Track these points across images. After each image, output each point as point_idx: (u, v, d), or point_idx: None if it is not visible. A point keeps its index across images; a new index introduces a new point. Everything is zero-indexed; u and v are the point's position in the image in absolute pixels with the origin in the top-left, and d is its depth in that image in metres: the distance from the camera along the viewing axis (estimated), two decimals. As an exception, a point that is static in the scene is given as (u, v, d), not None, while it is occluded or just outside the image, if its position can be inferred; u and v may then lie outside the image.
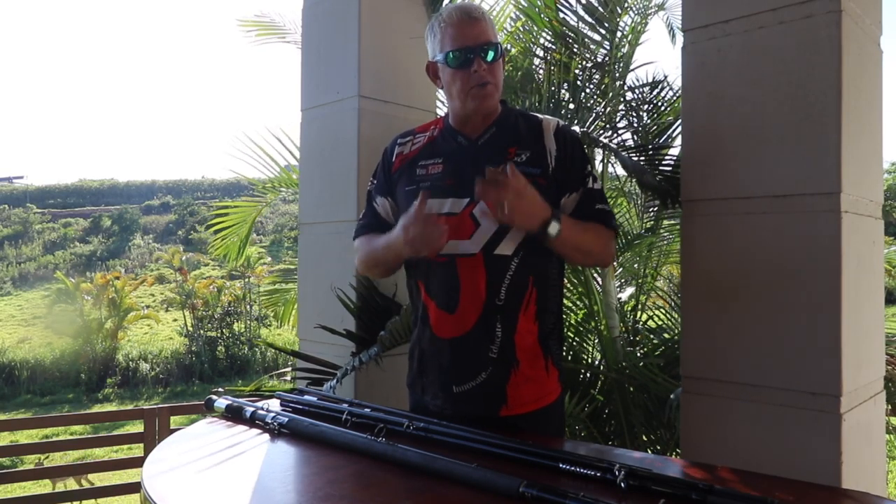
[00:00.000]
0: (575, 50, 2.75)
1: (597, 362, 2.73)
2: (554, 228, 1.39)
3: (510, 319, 1.47)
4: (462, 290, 1.48)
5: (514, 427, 1.46)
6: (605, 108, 2.74)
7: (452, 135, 1.58)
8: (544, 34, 2.90)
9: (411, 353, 1.62)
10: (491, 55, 1.49)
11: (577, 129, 2.39)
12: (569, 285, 2.75)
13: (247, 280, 17.83)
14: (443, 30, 1.51)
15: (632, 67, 2.84)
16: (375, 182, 1.67)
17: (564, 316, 2.65)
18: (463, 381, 1.49)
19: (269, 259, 20.67)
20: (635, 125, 2.76)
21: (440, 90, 2.64)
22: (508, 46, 2.82)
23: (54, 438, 7.95)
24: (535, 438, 1.30)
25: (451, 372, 1.51)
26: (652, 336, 2.77)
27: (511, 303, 1.47)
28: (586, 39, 2.81)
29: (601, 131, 2.69)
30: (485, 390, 1.48)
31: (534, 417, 1.49)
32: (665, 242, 3.01)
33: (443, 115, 1.71)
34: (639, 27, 2.84)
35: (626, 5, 2.76)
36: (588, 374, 2.63)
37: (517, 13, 2.93)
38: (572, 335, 2.71)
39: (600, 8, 2.68)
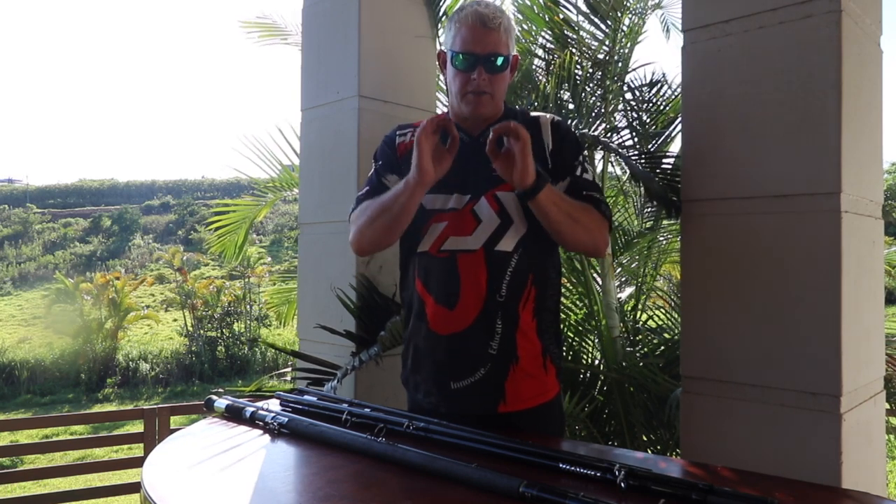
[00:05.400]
0: (575, 49, 2.75)
1: (597, 362, 2.73)
2: (542, 182, 1.39)
3: (511, 315, 1.48)
4: (462, 286, 1.48)
5: (513, 424, 1.46)
6: (605, 107, 2.74)
7: None
8: (543, 34, 2.90)
9: (405, 350, 1.62)
10: (496, 65, 1.49)
11: (584, 131, 2.39)
12: (568, 285, 2.75)
13: (247, 280, 17.82)
14: (457, 28, 1.51)
15: (631, 67, 2.84)
16: (381, 163, 1.63)
17: (564, 316, 2.65)
18: (460, 378, 1.48)
19: (269, 259, 20.67)
20: (635, 125, 2.76)
21: (439, 92, 2.65)
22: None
23: (54, 438, 7.94)
24: (535, 438, 1.30)
25: (448, 368, 1.50)
26: (652, 336, 2.76)
27: (511, 299, 1.48)
28: (586, 38, 2.81)
29: (603, 132, 2.69)
30: (483, 386, 1.47)
31: (533, 414, 1.49)
32: (665, 242, 3.01)
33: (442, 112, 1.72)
34: (637, 27, 2.84)
35: (627, 5, 2.76)
36: (588, 374, 2.63)
37: (516, 13, 2.94)
38: (572, 335, 2.71)
39: (603, 4, 2.68)
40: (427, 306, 1.53)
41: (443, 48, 1.59)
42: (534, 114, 1.61)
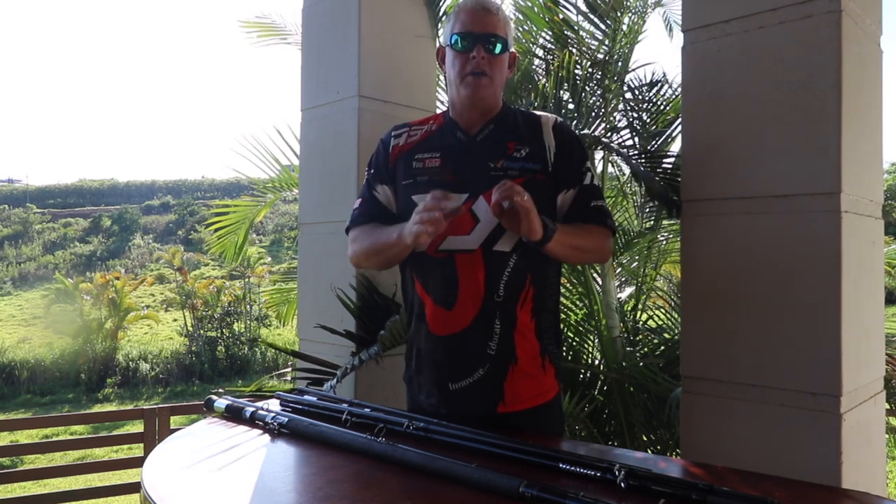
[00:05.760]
0: (574, 49, 2.75)
1: (597, 362, 2.73)
2: (550, 234, 1.38)
3: (509, 315, 1.47)
4: (461, 286, 1.48)
5: (512, 425, 1.46)
6: (605, 107, 2.74)
7: (451, 129, 1.57)
8: (543, 34, 2.90)
9: (409, 350, 1.62)
10: (495, 48, 1.49)
11: (585, 131, 2.39)
12: (568, 285, 2.75)
13: (247, 280, 17.82)
14: (456, 14, 1.53)
15: (631, 67, 2.84)
16: (373, 171, 1.65)
17: (564, 316, 2.65)
18: (459, 378, 1.48)
19: (269, 259, 20.67)
20: (635, 125, 2.76)
21: (440, 91, 2.65)
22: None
23: (54, 438, 7.93)
24: (535, 438, 1.30)
25: (447, 369, 1.50)
26: (652, 336, 2.76)
27: (509, 299, 1.47)
28: (586, 38, 2.81)
29: (603, 132, 2.69)
30: (482, 387, 1.47)
31: (532, 414, 1.49)
32: (665, 242, 3.01)
33: (442, 111, 1.71)
34: (637, 26, 2.84)
35: (627, 4, 2.76)
36: (588, 374, 2.63)
37: (516, 13, 2.94)
38: (572, 335, 2.71)
39: (602, 4, 2.68)
40: (426, 307, 1.53)
41: (442, 44, 1.59)
42: (536, 112, 1.60)
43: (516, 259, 1.48)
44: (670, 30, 3.83)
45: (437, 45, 1.62)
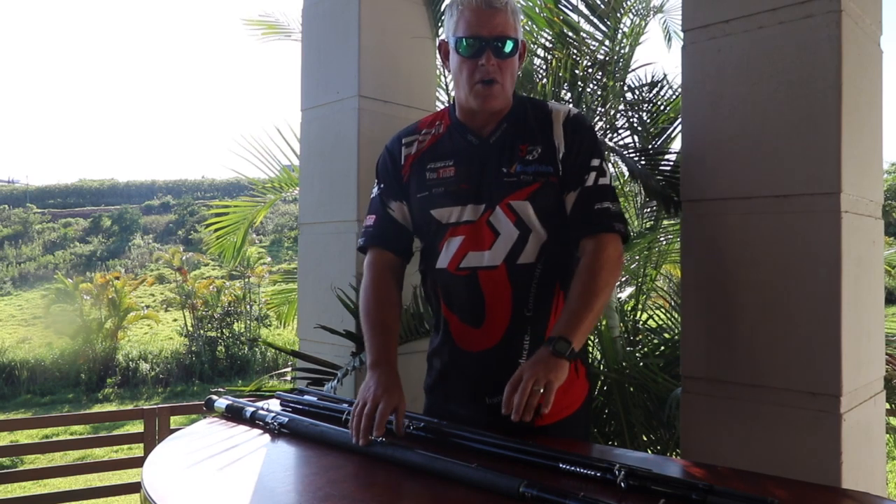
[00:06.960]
0: (575, 49, 2.75)
1: (597, 362, 2.73)
2: (573, 353, 1.27)
3: (540, 330, 1.41)
4: (487, 304, 1.41)
5: (551, 434, 1.42)
6: (605, 107, 2.74)
7: (461, 132, 1.48)
8: (544, 34, 2.90)
9: (430, 360, 1.57)
10: (505, 50, 1.38)
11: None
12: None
13: (247, 280, 17.82)
14: (460, 12, 1.39)
15: (631, 68, 2.84)
16: (383, 186, 1.54)
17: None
18: (496, 393, 1.37)
19: (269, 259, 20.66)
20: (635, 125, 2.76)
21: (440, 89, 2.64)
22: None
23: (54, 438, 7.93)
24: (565, 444, 1.30)
25: (482, 384, 1.44)
26: (652, 336, 2.76)
27: (540, 312, 1.42)
28: (586, 38, 2.81)
29: (603, 132, 2.69)
30: None
31: (567, 423, 1.45)
32: (665, 242, 3.01)
33: (444, 107, 1.63)
34: (638, 28, 2.84)
35: (626, 5, 2.76)
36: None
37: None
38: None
39: (602, 5, 2.68)
40: (451, 324, 1.48)
41: (443, 38, 1.48)
42: (548, 105, 1.49)
43: (542, 269, 1.40)
44: (669, 39, 3.81)
45: (439, 40, 1.56)
